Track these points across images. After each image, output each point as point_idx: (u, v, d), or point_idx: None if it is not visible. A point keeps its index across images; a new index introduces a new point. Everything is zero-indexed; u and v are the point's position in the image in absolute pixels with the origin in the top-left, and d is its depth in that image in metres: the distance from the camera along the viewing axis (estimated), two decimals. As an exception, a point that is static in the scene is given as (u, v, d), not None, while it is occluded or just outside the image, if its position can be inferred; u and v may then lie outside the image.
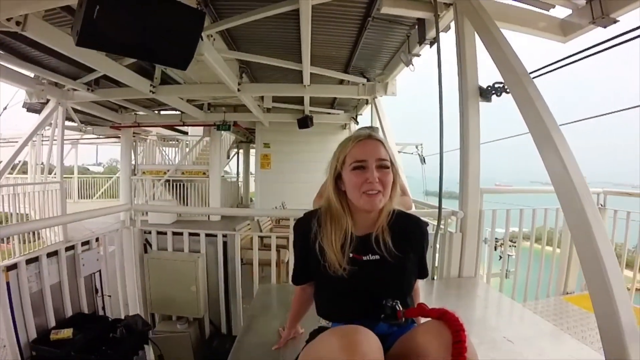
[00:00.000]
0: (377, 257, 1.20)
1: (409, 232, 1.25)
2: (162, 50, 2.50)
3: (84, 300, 2.60)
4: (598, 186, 3.44)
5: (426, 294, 2.52)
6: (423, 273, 1.34)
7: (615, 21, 2.33)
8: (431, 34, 3.19)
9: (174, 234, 3.06)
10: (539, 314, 2.86)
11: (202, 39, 3.18)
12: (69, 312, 2.45)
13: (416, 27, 3.36)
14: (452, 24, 2.86)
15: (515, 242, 3.26)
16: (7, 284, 2.03)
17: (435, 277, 2.77)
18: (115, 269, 2.95)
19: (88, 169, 21.24)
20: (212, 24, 3.62)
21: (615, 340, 1.56)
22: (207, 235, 3.00)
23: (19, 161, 7.49)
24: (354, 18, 3.63)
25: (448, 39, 3.00)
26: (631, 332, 1.54)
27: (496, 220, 3.01)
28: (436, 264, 2.79)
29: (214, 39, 3.97)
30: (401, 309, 1.12)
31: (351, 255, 1.19)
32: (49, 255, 2.36)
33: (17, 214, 5.94)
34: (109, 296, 2.85)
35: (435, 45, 2.92)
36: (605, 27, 2.39)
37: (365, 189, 1.14)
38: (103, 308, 2.80)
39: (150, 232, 3.09)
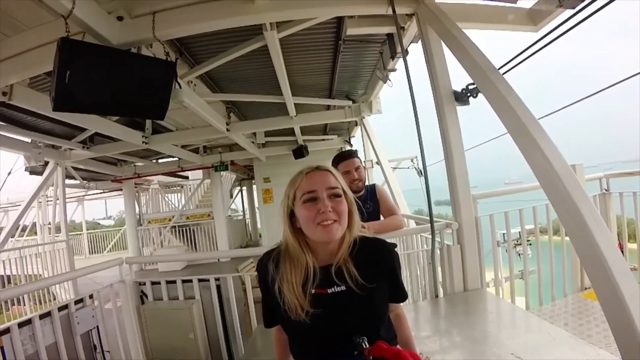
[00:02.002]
0: (343, 287, 1.12)
1: (375, 259, 1.18)
2: (137, 104, 2.54)
3: (83, 358, 2.53)
4: (605, 167, 3.31)
5: (431, 313, 2.39)
6: (400, 296, 1.25)
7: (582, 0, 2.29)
8: (400, 47, 3.20)
9: (168, 282, 2.99)
10: (556, 317, 2.68)
11: (180, 86, 3.22)
12: (68, 372, 2.38)
13: (387, 42, 3.38)
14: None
15: (524, 241, 3.11)
16: (2, 348, 2.04)
17: (439, 295, 2.62)
18: (114, 324, 2.88)
19: (99, 224, 21.50)
20: (189, 70, 3.70)
21: (631, 342, 1.42)
22: (200, 280, 2.91)
23: (30, 223, 7.61)
24: (325, 44, 3.68)
25: (421, 48, 2.99)
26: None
27: (495, 225, 2.87)
28: (439, 281, 2.65)
29: (195, 85, 4.06)
30: (367, 346, 1.02)
31: (314, 291, 1.11)
32: (42, 316, 2.33)
33: (26, 275, 5.98)
34: (108, 352, 2.78)
35: (411, 57, 2.92)
36: (573, 7, 2.34)
37: (319, 220, 1.09)
38: (104, 364, 2.73)
39: (145, 284, 3.02)
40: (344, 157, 2.61)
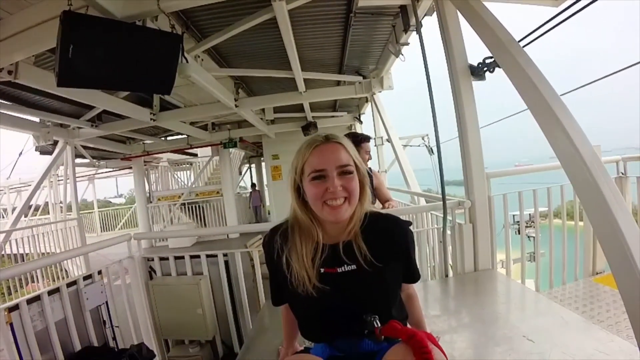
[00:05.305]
0: (353, 267, 1.07)
1: (387, 235, 1.12)
2: (142, 79, 2.49)
3: (92, 333, 2.57)
4: (619, 152, 3.18)
5: (441, 292, 2.37)
6: (413, 277, 1.21)
7: (603, -25, 2.15)
8: (415, 19, 3.06)
9: (176, 258, 3.01)
10: (566, 301, 2.64)
11: (187, 61, 3.14)
12: (78, 346, 2.42)
13: (400, 15, 3.23)
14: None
15: (537, 223, 3.05)
16: (11, 324, 2.03)
17: (449, 274, 2.59)
18: (123, 300, 2.92)
19: (110, 202, 21.85)
20: (196, 44, 3.60)
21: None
22: (208, 256, 2.93)
23: (43, 202, 7.73)
24: (336, 17, 3.53)
25: (434, 22, 2.86)
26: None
27: (507, 205, 2.79)
28: (449, 260, 2.61)
29: (202, 59, 3.96)
30: (379, 325, 0.99)
31: (323, 270, 1.07)
32: (51, 292, 2.35)
33: (39, 253, 6.12)
34: (117, 327, 2.82)
35: (424, 31, 2.79)
36: (595, -18, 2.20)
37: (327, 199, 1.03)
38: (114, 339, 2.77)
39: (153, 259, 3.05)
40: (359, 139, 2.60)
